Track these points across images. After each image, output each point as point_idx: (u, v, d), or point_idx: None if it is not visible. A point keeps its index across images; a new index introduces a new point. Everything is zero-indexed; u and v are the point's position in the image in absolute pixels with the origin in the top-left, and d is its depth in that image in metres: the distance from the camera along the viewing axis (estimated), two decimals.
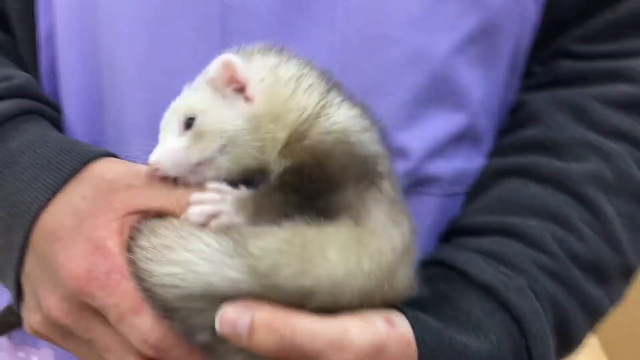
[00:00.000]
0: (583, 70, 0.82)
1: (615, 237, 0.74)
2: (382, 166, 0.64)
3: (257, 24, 0.75)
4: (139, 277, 0.63)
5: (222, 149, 0.66)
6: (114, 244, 0.64)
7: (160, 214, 0.66)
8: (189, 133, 0.66)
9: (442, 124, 0.78)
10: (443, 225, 0.81)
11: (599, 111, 0.77)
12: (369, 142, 0.65)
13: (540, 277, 0.70)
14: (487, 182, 0.80)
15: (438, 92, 0.76)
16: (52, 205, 0.67)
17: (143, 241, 0.65)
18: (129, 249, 0.65)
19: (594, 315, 0.74)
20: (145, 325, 0.62)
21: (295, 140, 0.65)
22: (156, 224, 0.66)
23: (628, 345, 3.03)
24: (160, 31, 0.75)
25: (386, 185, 0.64)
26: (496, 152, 0.84)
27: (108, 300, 0.62)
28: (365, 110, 0.67)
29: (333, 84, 0.68)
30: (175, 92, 0.75)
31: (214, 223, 0.62)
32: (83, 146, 0.72)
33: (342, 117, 0.66)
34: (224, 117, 0.67)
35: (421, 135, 0.77)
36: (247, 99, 0.66)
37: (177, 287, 0.62)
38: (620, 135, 0.76)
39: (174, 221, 0.65)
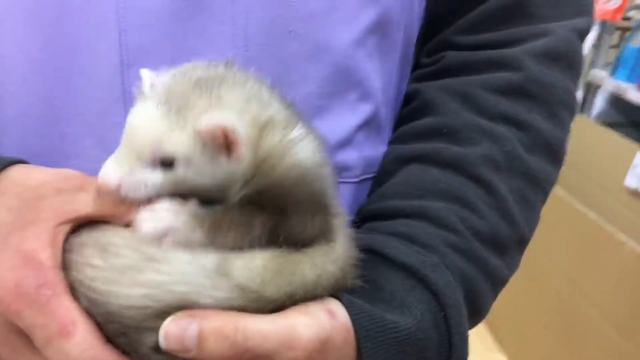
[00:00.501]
0: (467, 60, 0.88)
1: (509, 212, 0.80)
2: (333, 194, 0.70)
3: (155, 20, 0.73)
4: (89, 297, 0.59)
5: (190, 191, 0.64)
6: (46, 257, 0.59)
7: (97, 221, 0.63)
8: (164, 173, 0.62)
9: (349, 114, 0.81)
10: (356, 211, 0.84)
11: (486, 98, 0.83)
12: (325, 176, 0.69)
13: (449, 254, 0.75)
14: (391, 168, 0.85)
15: (342, 84, 0.79)
16: None
17: (95, 260, 0.61)
18: (64, 264, 0.61)
19: (496, 285, 0.80)
20: (74, 351, 0.57)
21: (259, 174, 0.65)
22: (105, 238, 0.62)
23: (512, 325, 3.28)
24: (56, 30, 0.72)
25: (336, 208, 0.70)
26: (396, 139, 0.89)
27: (36, 320, 0.57)
28: (319, 138, 0.70)
29: (295, 114, 0.69)
30: (71, 93, 0.72)
31: (168, 239, 0.60)
32: None
33: (304, 154, 0.67)
34: (206, 173, 0.64)
35: (330, 126, 0.79)
36: (233, 158, 0.63)
37: (148, 307, 0.59)
38: (506, 120, 0.83)
39: (125, 234, 0.62)
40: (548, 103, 0.84)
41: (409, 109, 0.90)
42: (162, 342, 0.58)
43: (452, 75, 0.88)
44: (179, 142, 0.62)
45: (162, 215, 0.61)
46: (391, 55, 0.86)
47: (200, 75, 0.65)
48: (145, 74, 0.67)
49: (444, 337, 0.71)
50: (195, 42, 0.72)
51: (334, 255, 0.67)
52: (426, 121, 0.85)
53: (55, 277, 0.59)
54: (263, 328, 0.59)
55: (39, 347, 0.58)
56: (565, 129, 0.87)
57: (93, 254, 0.61)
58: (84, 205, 0.62)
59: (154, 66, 0.72)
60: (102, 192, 0.62)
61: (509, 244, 0.81)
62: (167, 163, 0.63)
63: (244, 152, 0.63)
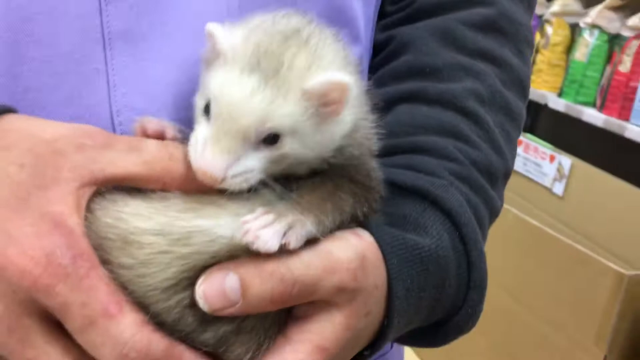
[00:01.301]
0: (439, 0, 0.88)
1: (498, 145, 0.82)
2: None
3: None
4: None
5: (293, 165, 0.60)
6: (75, 223, 0.53)
7: (127, 184, 0.57)
8: (269, 151, 0.57)
9: None
10: None
11: (465, 34, 0.84)
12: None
13: (454, 180, 0.75)
14: (379, 110, 0.83)
15: (336, 22, 0.76)
16: None
17: (123, 258, 0.56)
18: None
19: (492, 216, 0.81)
20: (125, 333, 0.51)
21: (343, 145, 0.63)
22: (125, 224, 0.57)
23: None
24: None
25: None
26: (377, 82, 0.87)
27: (73, 297, 0.50)
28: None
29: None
30: (35, 36, 0.64)
31: (292, 239, 0.56)
32: None
33: (369, 135, 0.66)
34: (310, 143, 0.59)
35: None
36: (337, 121, 0.60)
37: (213, 240, 0.56)
38: (484, 56, 0.84)
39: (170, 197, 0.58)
40: (516, 39, 0.86)
41: (386, 53, 0.89)
42: (204, 304, 0.54)
43: (427, 16, 0.87)
44: (285, 111, 0.57)
45: (274, 230, 0.56)
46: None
47: (284, 30, 0.60)
48: (218, 30, 0.61)
49: (462, 256, 0.71)
50: None
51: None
52: (406, 61, 0.85)
53: (89, 248, 0.53)
54: (303, 257, 0.57)
55: (73, 331, 0.52)
56: (528, 66, 0.90)
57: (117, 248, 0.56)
58: (112, 164, 0.56)
59: (134, 5, 0.65)
60: (206, 183, 0.57)
61: (499, 176, 0.82)
62: (271, 138, 0.58)
63: (348, 114, 0.61)
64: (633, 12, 2.91)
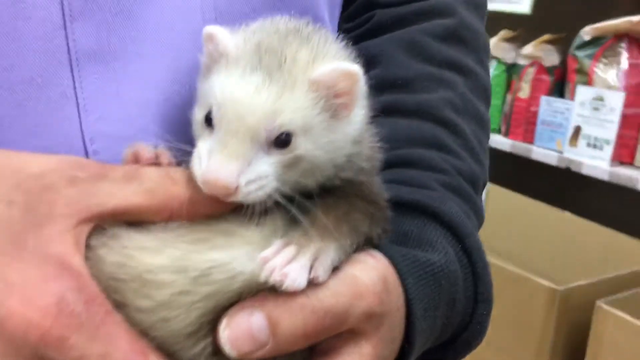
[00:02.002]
0: (400, 13, 0.86)
1: (476, 153, 0.80)
2: None
3: None
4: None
5: (305, 173, 0.55)
6: (79, 264, 0.47)
7: (127, 218, 0.51)
8: (281, 155, 0.52)
9: None
10: None
11: (431, 45, 0.83)
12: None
13: (445, 192, 0.72)
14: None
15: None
16: None
17: (139, 300, 0.50)
18: None
19: (480, 224, 0.79)
20: None
21: (352, 157, 0.59)
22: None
23: None
24: None
25: None
26: None
27: (90, 349, 0.44)
28: None
29: None
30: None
31: (320, 272, 0.52)
32: None
33: (373, 146, 0.62)
34: (322, 143, 0.55)
35: None
36: (348, 115, 0.56)
37: (234, 277, 0.50)
38: (451, 66, 0.83)
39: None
40: (477, 48, 0.87)
41: None
42: (230, 350, 0.49)
43: (389, 30, 0.86)
44: (294, 105, 0.53)
45: (300, 265, 0.51)
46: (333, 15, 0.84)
47: (285, 29, 0.57)
48: (220, 32, 0.56)
49: (467, 269, 0.68)
50: None
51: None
52: (376, 75, 0.82)
53: (98, 291, 0.47)
54: (330, 285, 0.53)
55: None
56: (488, 74, 0.90)
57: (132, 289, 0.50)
58: (110, 197, 0.50)
59: (102, 22, 0.59)
60: (218, 195, 0.51)
61: (480, 185, 0.81)
62: (283, 140, 0.53)
63: (358, 113, 0.57)
64: (525, 42, 3.08)
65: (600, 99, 2.59)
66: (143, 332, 0.49)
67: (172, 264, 0.50)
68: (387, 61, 0.83)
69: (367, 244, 0.59)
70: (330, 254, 0.53)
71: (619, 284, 2.22)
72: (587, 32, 2.65)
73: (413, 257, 0.62)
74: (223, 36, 0.57)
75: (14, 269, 0.44)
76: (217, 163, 0.51)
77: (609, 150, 2.56)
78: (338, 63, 0.56)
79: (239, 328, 0.49)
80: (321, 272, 0.52)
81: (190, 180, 0.53)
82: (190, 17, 0.66)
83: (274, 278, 0.49)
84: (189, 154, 0.55)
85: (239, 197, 0.52)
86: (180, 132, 0.60)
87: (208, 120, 0.55)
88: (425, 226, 0.67)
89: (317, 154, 0.55)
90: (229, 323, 0.49)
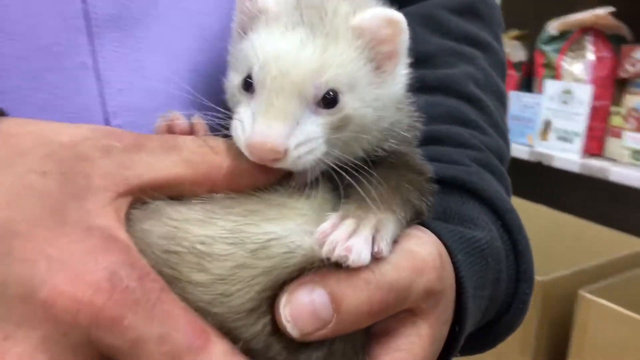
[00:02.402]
0: None
1: (501, 128, 0.78)
2: None
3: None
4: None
5: (351, 138, 0.52)
6: (128, 238, 0.43)
7: (167, 191, 0.47)
8: (329, 117, 0.49)
9: None
10: None
11: (448, 19, 0.80)
12: None
13: (477, 168, 0.70)
14: None
15: None
16: None
17: (195, 275, 0.46)
18: None
19: (510, 197, 0.76)
20: None
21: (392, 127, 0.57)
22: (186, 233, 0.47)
23: None
24: None
25: None
26: None
27: (147, 330, 0.39)
28: None
29: None
30: (6, 29, 0.51)
31: (383, 246, 0.48)
32: None
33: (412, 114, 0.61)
34: (372, 100, 0.52)
35: None
36: (388, 73, 0.53)
37: (292, 251, 0.47)
38: (469, 40, 0.81)
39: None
40: (492, 23, 0.85)
41: None
42: (292, 328, 0.45)
43: (402, 5, 0.82)
44: (339, 58, 0.50)
45: (363, 238, 0.48)
46: None
47: None
48: None
49: (508, 246, 0.66)
50: None
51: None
52: None
53: (149, 266, 0.43)
54: (391, 259, 0.50)
55: None
56: (503, 48, 0.88)
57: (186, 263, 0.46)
58: (149, 168, 0.46)
59: None
60: (265, 161, 0.47)
61: (506, 160, 0.79)
62: (331, 99, 0.50)
63: (402, 66, 0.55)
64: None
65: (569, 92, 2.62)
66: (199, 310, 0.44)
67: (227, 235, 0.47)
68: None
69: (417, 217, 0.56)
70: (390, 227, 0.50)
71: (598, 273, 2.24)
72: (553, 27, 2.69)
73: (460, 233, 0.60)
74: None
75: (56, 244, 0.40)
76: (263, 125, 0.47)
77: (579, 143, 2.59)
78: (380, 9, 0.54)
79: (301, 305, 0.45)
80: (384, 245, 0.49)
81: (232, 149, 0.50)
82: None
83: (338, 253, 0.46)
84: (225, 121, 0.51)
85: (288, 162, 0.48)
86: (208, 105, 0.55)
87: (247, 85, 0.51)
88: (465, 203, 0.65)
89: (364, 113, 0.52)
90: (290, 300, 0.46)
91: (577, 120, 2.59)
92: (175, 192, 0.48)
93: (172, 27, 0.59)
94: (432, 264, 0.53)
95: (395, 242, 0.51)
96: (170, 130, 0.53)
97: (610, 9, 2.53)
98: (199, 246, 0.46)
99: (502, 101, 0.82)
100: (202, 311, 0.45)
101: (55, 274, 0.39)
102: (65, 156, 0.44)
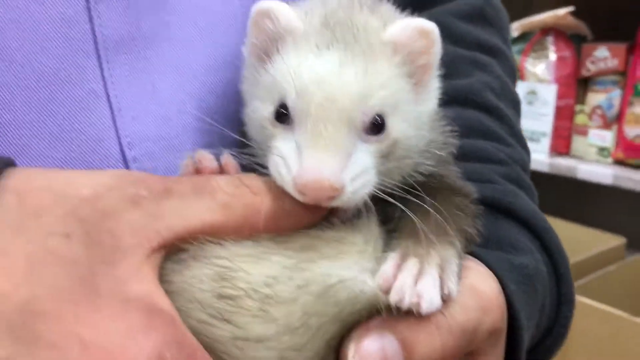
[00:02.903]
0: None
1: (521, 138, 0.76)
2: None
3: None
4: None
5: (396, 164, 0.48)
6: (169, 306, 0.38)
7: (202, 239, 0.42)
8: (378, 144, 0.45)
9: None
10: None
11: (459, 26, 0.77)
12: None
13: (506, 184, 0.66)
14: None
15: None
16: None
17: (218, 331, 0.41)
18: None
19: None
20: None
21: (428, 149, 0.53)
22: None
23: None
24: None
25: None
26: None
27: None
28: None
29: None
30: (10, 54, 0.45)
31: (451, 286, 0.45)
32: None
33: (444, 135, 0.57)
34: (414, 119, 0.48)
35: None
36: (424, 88, 0.51)
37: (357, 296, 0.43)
38: (481, 47, 0.78)
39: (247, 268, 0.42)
40: (501, 28, 0.82)
41: None
42: None
43: (412, 12, 0.79)
44: (380, 79, 0.46)
45: (432, 281, 0.44)
46: None
47: (344, 0, 0.51)
48: (284, 8, 0.49)
49: (549, 267, 0.63)
50: None
51: None
52: None
53: (196, 341, 0.39)
54: (459, 300, 0.47)
55: None
56: (512, 52, 0.86)
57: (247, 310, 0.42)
58: (181, 217, 0.41)
59: (131, 3, 0.49)
60: (319, 200, 0.43)
61: (529, 172, 0.76)
62: (379, 124, 0.46)
63: (434, 79, 0.52)
64: None
65: (533, 92, 2.64)
66: None
67: (289, 274, 0.42)
68: None
69: (468, 244, 0.52)
70: (453, 263, 0.46)
71: (575, 271, 2.25)
72: (515, 28, 2.70)
73: (508, 261, 0.57)
74: (285, 11, 0.49)
75: (89, 323, 0.35)
76: (313, 159, 0.42)
77: (546, 143, 2.61)
78: (411, 20, 0.51)
79: (371, 354, 0.42)
80: (452, 286, 0.45)
81: (271, 187, 0.45)
82: None
83: (410, 301, 0.42)
84: (255, 157, 0.46)
85: (344, 199, 0.43)
86: (229, 130, 0.50)
87: (281, 115, 0.46)
88: (502, 224, 0.62)
89: (409, 134, 0.48)
90: (358, 349, 0.42)
91: (543, 120, 2.61)
92: (211, 238, 0.43)
93: (184, 45, 0.54)
94: (497, 302, 0.50)
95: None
96: (199, 172, 0.47)
97: (570, 8, 2.56)
98: (260, 288, 0.40)
99: (517, 109, 0.79)
100: None
101: (86, 356, 0.34)
102: (88, 213, 0.39)
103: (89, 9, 0.49)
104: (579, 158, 2.56)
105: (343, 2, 0.51)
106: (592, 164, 2.49)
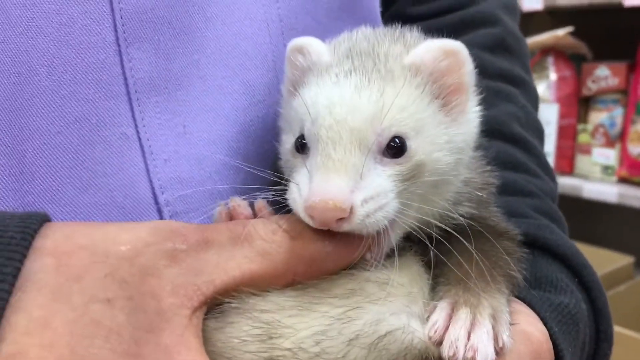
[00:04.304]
0: (437, 26, 0.79)
1: (548, 168, 0.75)
2: None
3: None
4: None
5: (428, 192, 0.46)
6: None
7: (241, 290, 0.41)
8: (398, 166, 0.43)
9: None
10: None
11: (481, 57, 0.76)
12: None
13: (540, 218, 0.65)
14: None
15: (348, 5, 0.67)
16: (26, 334, 0.34)
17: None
18: None
19: None
20: None
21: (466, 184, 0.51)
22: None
23: None
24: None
25: None
26: None
27: None
28: None
29: None
30: (38, 99, 0.44)
31: (505, 338, 0.44)
32: None
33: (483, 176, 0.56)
34: (443, 143, 0.46)
35: None
36: (458, 112, 0.49)
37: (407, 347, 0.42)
38: (503, 77, 0.77)
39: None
40: (522, 56, 0.82)
41: None
42: None
43: None
44: (398, 100, 0.45)
45: (486, 334, 0.43)
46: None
47: (374, 33, 0.51)
48: (316, 43, 0.50)
49: (587, 303, 0.63)
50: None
51: None
52: None
53: None
54: (513, 348, 0.46)
55: None
56: (533, 80, 0.85)
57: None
58: (220, 270, 0.40)
59: (161, 45, 0.48)
60: (328, 223, 0.41)
61: (557, 200, 0.75)
62: (397, 146, 0.44)
63: (473, 103, 0.50)
64: None
65: None
66: None
67: (336, 328, 0.41)
68: None
69: (515, 289, 0.50)
70: (505, 312, 0.45)
71: None
72: None
73: (549, 301, 0.56)
74: (317, 46, 0.50)
75: None
76: (321, 181, 0.42)
77: (550, 162, 2.61)
78: (434, 40, 0.50)
79: None
80: (506, 337, 0.44)
81: (309, 229, 0.43)
82: (256, 33, 0.57)
83: (466, 355, 0.41)
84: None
85: (355, 222, 0.42)
86: (261, 169, 0.49)
87: (301, 145, 0.46)
88: (539, 261, 0.62)
89: (438, 157, 0.46)
90: None
91: (546, 140, 2.61)
92: (251, 289, 0.42)
93: (216, 85, 0.53)
94: (546, 345, 0.50)
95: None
96: (232, 218, 0.46)
97: (570, 28, 2.57)
98: (309, 347, 0.39)
99: (541, 138, 0.78)
100: None
101: None
102: (127, 274, 0.37)
103: (119, 53, 0.49)
104: (583, 177, 2.56)
105: (369, 34, 0.51)
106: (597, 182, 2.48)
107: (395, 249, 0.46)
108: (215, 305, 0.41)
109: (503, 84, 0.76)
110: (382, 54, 0.48)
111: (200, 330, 0.39)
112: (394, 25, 0.54)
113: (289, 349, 0.39)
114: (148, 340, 0.36)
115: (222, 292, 0.41)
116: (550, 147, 2.60)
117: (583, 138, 2.59)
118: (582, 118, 2.63)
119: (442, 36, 0.79)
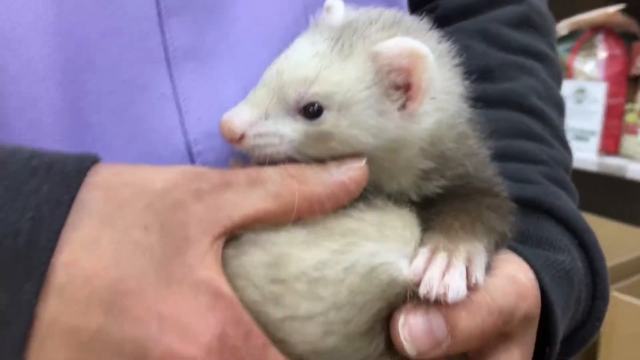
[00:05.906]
0: (464, 3, 0.84)
1: (564, 140, 0.79)
2: None
3: None
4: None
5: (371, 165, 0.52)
6: (230, 290, 0.45)
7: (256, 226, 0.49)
8: (306, 125, 0.50)
9: None
10: None
11: (505, 32, 0.81)
12: None
13: (549, 185, 0.70)
14: None
15: None
16: (79, 248, 0.43)
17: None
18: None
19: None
20: None
21: (446, 154, 0.55)
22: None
23: None
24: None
25: None
26: None
27: None
28: None
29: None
30: (93, 66, 0.52)
31: (478, 276, 0.50)
32: (52, 154, 0.47)
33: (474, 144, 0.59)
34: (364, 126, 0.50)
35: None
36: (408, 111, 0.52)
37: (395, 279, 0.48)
38: (527, 52, 0.81)
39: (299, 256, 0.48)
40: (547, 33, 0.85)
41: None
42: (410, 347, 0.48)
43: (454, 20, 0.84)
44: (338, 77, 0.50)
45: (459, 273, 0.49)
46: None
47: (381, 15, 0.55)
48: (341, 7, 0.55)
49: (585, 263, 0.67)
50: None
51: None
52: None
53: (252, 321, 0.45)
54: (497, 284, 0.52)
55: None
56: (558, 56, 0.89)
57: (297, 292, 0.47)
58: (238, 207, 0.47)
59: (197, 19, 0.56)
60: (226, 138, 0.50)
61: (570, 172, 0.79)
62: (313, 111, 0.51)
63: (429, 106, 0.52)
64: None
65: (582, 91, 2.63)
66: (312, 343, 0.46)
67: (337, 258, 0.47)
68: (463, 52, 0.80)
69: (502, 239, 0.56)
70: (481, 255, 0.51)
71: (623, 271, 2.24)
72: (563, 26, 2.69)
73: (545, 257, 0.61)
74: (340, 9, 0.56)
75: (167, 302, 0.42)
76: (236, 109, 0.51)
77: (595, 142, 2.60)
78: (408, 39, 0.52)
79: (419, 325, 0.48)
80: (479, 276, 0.50)
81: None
82: (281, 9, 0.64)
83: (437, 291, 0.47)
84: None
85: (244, 146, 0.51)
86: None
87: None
88: (542, 223, 0.66)
89: (353, 134, 0.51)
90: (407, 321, 0.48)
91: (592, 119, 2.60)
92: (263, 225, 0.49)
93: (244, 55, 0.61)
94: (532, 290, 0.55)
95: (494, 267, 0.54)
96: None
97: (620, 6, 2.54)
98: (309, 272, 0.47)
99: (561, 112, 0.82)
100: (315, 346, 0.46)
101: (167, 334, 0.41)
102: (161, 206, 0.45)
103: (161, 24, 0.57)
104: (629, 157, 2.54)
105: (374, 15, 0.56)
106: None
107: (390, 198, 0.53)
108: (233, 239, 0.49)
109: (526, 59, 0.80)
110: (365, 34, 0.53)
111: (219, 256, 0.47)
112: (420, 12, 0.59)
113: (293, 273, 0.47)
114: (175, 260, 0.44)
115: (239, 226, 0.48)
116: (596, 126, 2.59)
117: (630, 118, 2.56)
118: (631, 97, 2.60)
119: (471, 11, 0.84)
